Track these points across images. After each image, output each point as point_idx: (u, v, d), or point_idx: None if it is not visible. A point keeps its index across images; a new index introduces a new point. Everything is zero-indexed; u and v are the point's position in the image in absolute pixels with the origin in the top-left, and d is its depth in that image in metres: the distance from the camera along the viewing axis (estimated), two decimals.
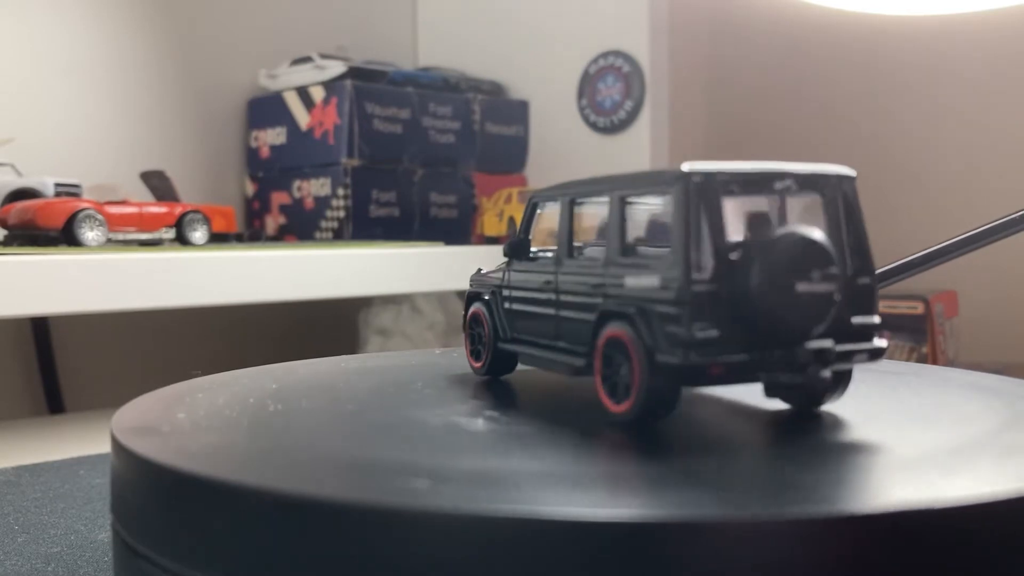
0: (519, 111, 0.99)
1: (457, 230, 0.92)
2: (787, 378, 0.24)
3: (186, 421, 0.28)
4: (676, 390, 0.24)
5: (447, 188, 0.92)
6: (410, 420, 0.27)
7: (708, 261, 0.24)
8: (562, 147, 0.97)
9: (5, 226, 0.65)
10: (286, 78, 0.91)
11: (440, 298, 0.89)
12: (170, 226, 0.70)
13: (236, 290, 0.65)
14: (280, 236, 0.92)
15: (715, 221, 0.24)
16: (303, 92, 0.89)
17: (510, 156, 0.98)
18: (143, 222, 0.68)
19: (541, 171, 0.98)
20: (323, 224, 0.87)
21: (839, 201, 0.26)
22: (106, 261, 0.59)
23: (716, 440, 0.25)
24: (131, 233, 0.68)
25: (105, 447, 0.26)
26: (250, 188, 0.95)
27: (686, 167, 0.24)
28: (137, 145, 0.89)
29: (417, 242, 0.82)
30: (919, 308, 0.82)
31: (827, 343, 0.24)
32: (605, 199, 0.27)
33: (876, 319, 0.25)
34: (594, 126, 0.95)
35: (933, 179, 1.02)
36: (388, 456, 0.23)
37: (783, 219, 0.25)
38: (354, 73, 0.86)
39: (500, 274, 0.32)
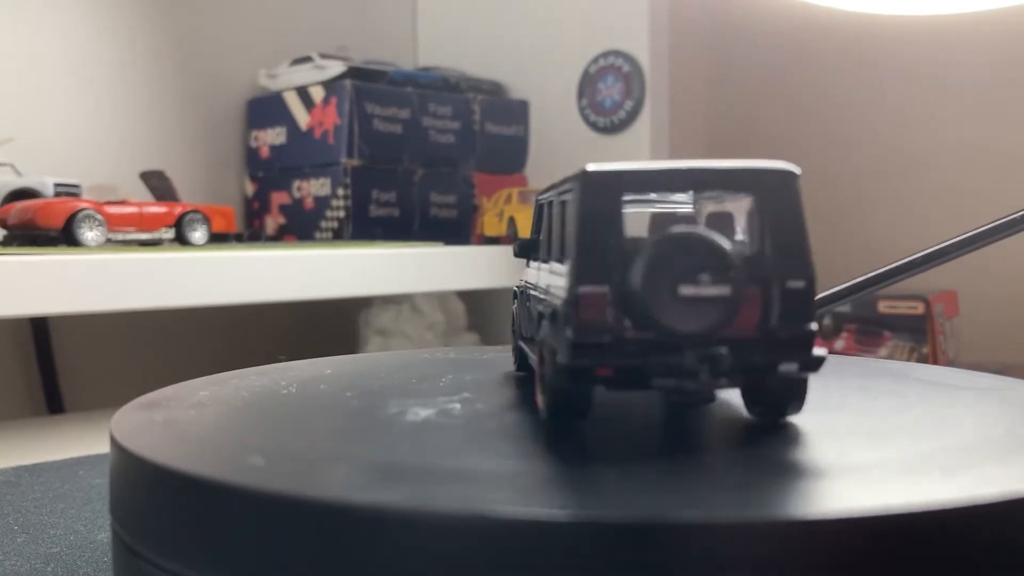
0: (519, 111, 0.99)
1: (457, 230, 0.92)
2: (676, 385, 0.23)
3: (186, 421, 0.28)
4: (579, 391, 0.24)
5: (447, 188, 0.92)
6: (413, 420, 0.27)
7: (600, 262, 0.23)
8: (562, 147, 0.97)
9: (5, 226, 0.65)
10: (286, 78, 0.91)
11: (440, 298, 0.89)
12: (170, 226, 0.70)
13: (236, 290, 0.65)
14: (280, 236, 0.92)
15: (610, 221, 0.23)
16: (303, 92, 0.89)
17: (510, 156, 0.98)
18: (143, 222, 0.68)
19: (541, 171, 0.98)
20: (323, 224, 0.87)
21: (773, 200, 0.24)
22: (106, 261, 0.58)
23: (699, 443, 0.25)
24: (131, 233, 0.68)
25: (105, 447, 0.26)
26: (250, 188, 0.95)
27: (589, 167, 0.24)
28: (137, 145, 0.89)
29: (417, 242, 0.82)
30: (919, 308, 0.82)
31: (720, 350, 0.23)
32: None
33: (811, 327, 0.23)
34: (594, 126, 0.95)
35: (933, 179, 1.02)
36: (388, 457, 0.23)
37: (752, 220, 0.24)
38: (354, 73, 0.86)
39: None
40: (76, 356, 0.84)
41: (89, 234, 0.64)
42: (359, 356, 0.41)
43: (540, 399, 0.26)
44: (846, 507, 0.18)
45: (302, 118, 0.89)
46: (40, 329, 0.81)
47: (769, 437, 0.25)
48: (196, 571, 0.22)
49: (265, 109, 0.93)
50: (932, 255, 0.48)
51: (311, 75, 0.89)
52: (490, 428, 0.26)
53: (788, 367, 0.23)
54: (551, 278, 0.26)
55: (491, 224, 0.88)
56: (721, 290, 0.22)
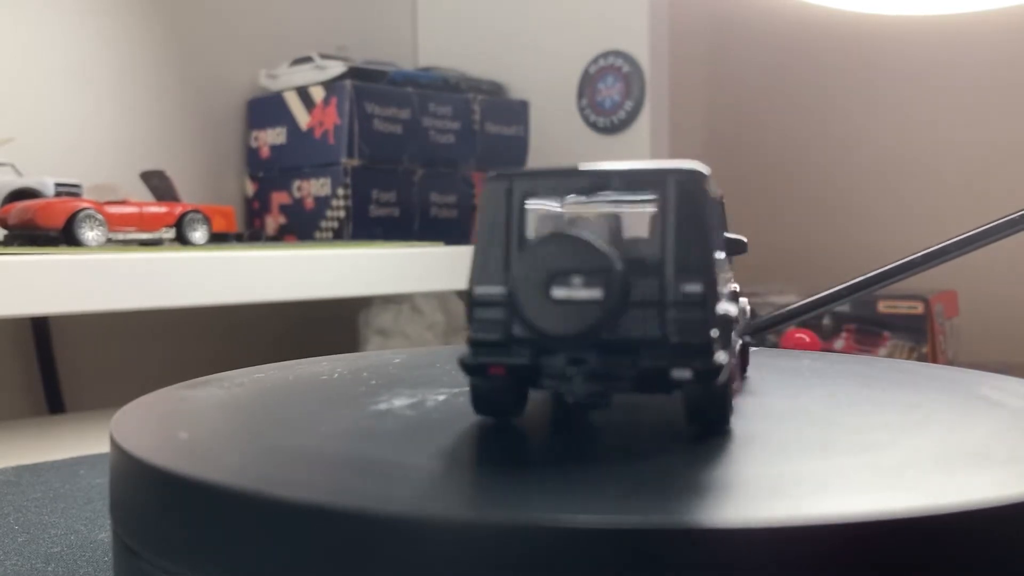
0: (519, 111, 0.99)
1: (457, 230, 0.92)
2: (555, 387, 0.23)
3: (185, 423, 0.28)
4: (493, 389, 0.24)
5: (447, 188, 0.92)
6: (416, 423, 0.27)
7: (496, 264, 0.23)
8: (562, 147, 0.97)
9: (5, 226, 0.65)
10: (286, 78, 0.91)
11: (440, 298, 0.89)
12: (170, 226, 0.70)
13: (236, 290, 0.65)
14: (280, 236, 0.92)
15: (508, 224, 0.24)
16: (303, 92, 0.89)
17: (510, 156, 0.98)
18: (143, 222, 0.68)
19: None
20: (323, 224, 0.87)
21: (676, 201, 0.23)
22: (106, 261, 0.58)
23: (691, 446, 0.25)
24: (131, 233, 0.68)
25: (105, 447, 0.26)
26: (250, 188, 0.95)
27: (492, 172, 0.24)
28: (137, 145, 0.89)
29: (417, 242, 0.82)
30: (919, 308, 0.82)
31: (588, 355, 0.22)
32: None
33: (707, 334, 0.22)
34: (594, 126, 0.95)
35: (933, 178, 1.02)
36: (388, 460, 0.23)
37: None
38: (354, 73, 0.86)
39: None
40: (77, 356, 0.84)
41: (90, 234, 0.64)
42: (360, 355, 0.41)
43: None
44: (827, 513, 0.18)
45: (302, 118, 0.89)
46: (41, 329, 0.81)
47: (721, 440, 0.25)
48: (195, 572, 0.22)
49: (265, 109, 0.93)
50: (932, 255, 0.48)
51: (311, 75, 0.89)
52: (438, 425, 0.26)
53: (681, 374, 0.22)
54: None
55: None
56: (593, 293, 0.22)
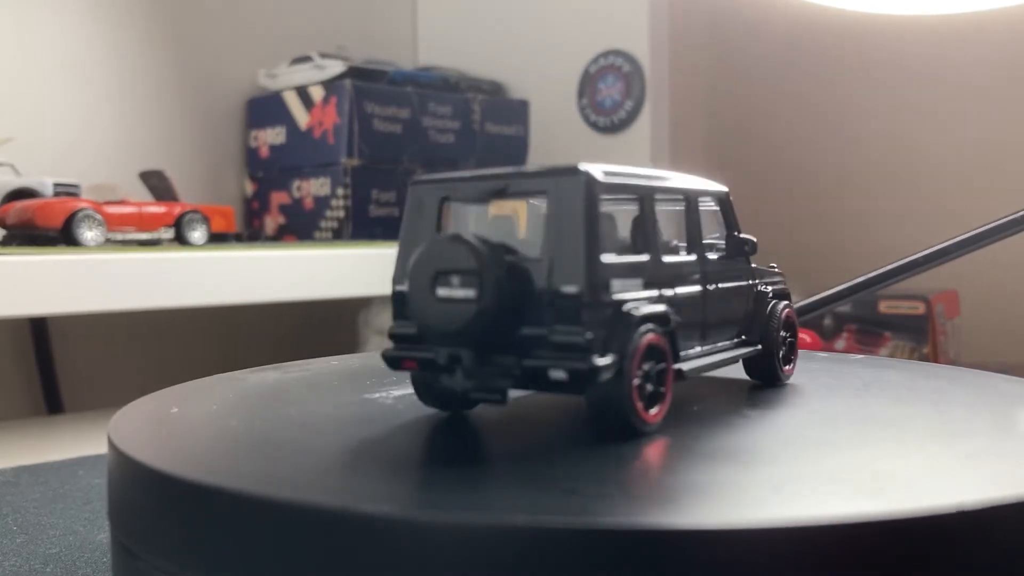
0: (519, 111, 0.98)
1: None
2: (442, 380, 0.24)
3: (183, 425, 0.28)
4: (422, 381, 0.26)
5: None
6: (414, 426, 0.27)
7: (409, 263, 0.24)
8: (562, 147, 0.97)
9: (4, 226, 0.65)
10: (286, 78, 0.91)
11: None
12: (169, 226, 0.70)
13: (235, 290, 0.64)
14: (279, 236, 0.91)
15: (423, 225, 0.26)
16: (303, 92, 0.89)
17: (510, 156, 0.98)
18: (142, 222, 0.68)
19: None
20: (323, 224, 0.87)
21: (559, 203, 0.24)
22: (105, 261, 0.58)
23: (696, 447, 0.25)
24: (130, 233, 0.68)
25: (104, 447, 0.26)
26: (249, 188, 0.95)
27: (415, 178, 0.26)
28: (136, 145, 0.89)
29: None
30: (920, 308, 0.82)
31: (463, 352, 0.23)
32: None
33: (583, 335, 0.23)
34: (594, 126, 0.95)
35: (934, 178, 1.02)
36: (387, 461, 0.23)
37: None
38: (354, 73, 0.86)
39: None
40: (75, 356, 0.84)
41: (88, 234, 0.64)
42: (356, 356, 0.41)
43: None
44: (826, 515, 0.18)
45: (302, 118, 0.89)
46: (39, 329, 0.81)
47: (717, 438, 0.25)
48: (193, 573, 0.21)
49: (265, 109, 0.93)
50: (933, 255, 0.48)
51: (311, 75, 0.88)
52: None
53: (557, 375, 0.23)
54: None
55: None
56: (468, 292, 0.23)
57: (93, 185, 0.72)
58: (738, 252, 0.30)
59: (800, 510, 0.18)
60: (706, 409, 0.28)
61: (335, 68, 0.87)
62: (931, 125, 1.02)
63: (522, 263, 0.23)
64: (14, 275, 0.55)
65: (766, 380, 0.32)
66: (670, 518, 0.18)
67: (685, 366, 0.26)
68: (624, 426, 0.24)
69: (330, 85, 0.86)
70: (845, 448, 0.24)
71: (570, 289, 0.23)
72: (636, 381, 0.24)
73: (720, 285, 0.29)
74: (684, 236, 0.29)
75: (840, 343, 0.85)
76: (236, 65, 0.95)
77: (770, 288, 0.32)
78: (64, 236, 0.63)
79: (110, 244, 0.66)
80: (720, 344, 0.29)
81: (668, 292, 0.26)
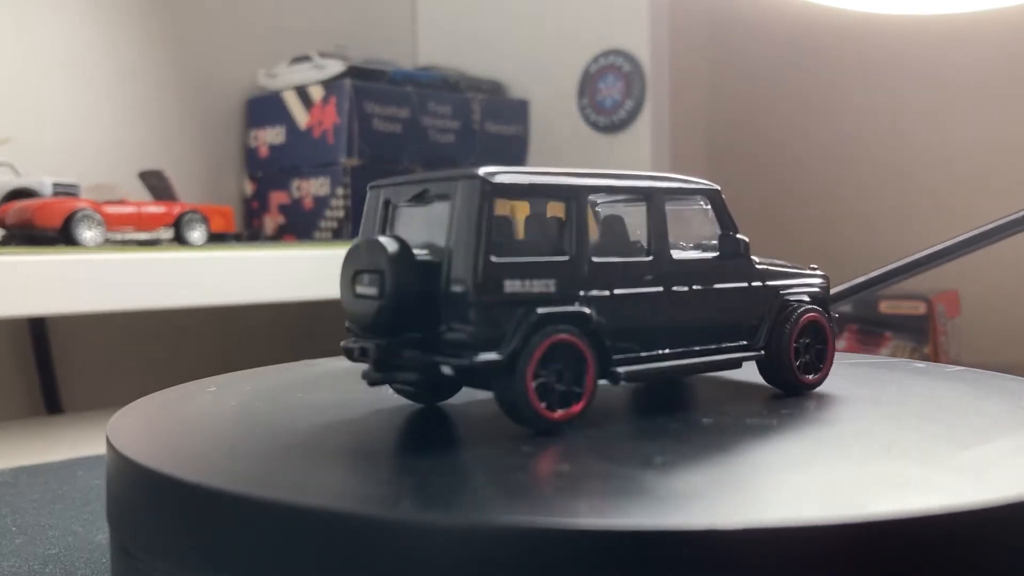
0: (519, 110, 0.98)
1: None
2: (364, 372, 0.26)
3: (181, 426, 0.28)
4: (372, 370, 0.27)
5: None
6: (413, 426, 0.27)
7: None
8: (562, 146, 0.97)
9: (3, 226, 0.65)
10: (285, 77, 0.91)
11: None
12: (168, 226, 0.70)
13: (234, 290, 0.64)
14: (279, 236, 0.91)
15: (368, 226, 0.28)
16: (302, 91, 0.89)
17: (510, 156, 0.98)
18: (141, 222, 0.68)
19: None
20: (322, 224, 0.87)
21: (458, 206, 0.25)
22: (104, 261, 0.58)
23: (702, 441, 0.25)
24: (129, 233, 0.67)
25: (103, 448, 0.26)
26: (249, 188, 0.95)
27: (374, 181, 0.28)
28: (135, 144, 0.89)
29: None
30: (921, 308, 0.82)
31: (370, 345, 0.25)
32: None
33: (467, 331, 0.24)
34: (595, 125, 0.94)
35: (935, 178, 1.02)
36: (387, 462, 0.23)
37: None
38: (353, 72, 0.86)
39: None
40: (74, 356, 0.84)
41: (87, 234, 0.64)
42: None
43: None
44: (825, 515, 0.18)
45: (301, 118, 0.89)
46: (38, 329, 0.81)
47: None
48: (191, 574, 0.21)
49: (264, 108, 0.93)
50: (934, 255, 0.48)
51: (310, 74, 0.88)
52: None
53: (445, 369, 0.24)
54: None
55: None
56: (372, 290, 0.25)
57: (92, 185, 0.72)
58: (732, 252, 0.29)
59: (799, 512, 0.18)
60: (712, 416, 0.28)
61: (335, 68, 0.86)
62: (931, 125, 1.02)
63: (433, 263, 0.25)
64: (13, 275, 0.54)
65: (784, 389, 0.30)
66: (661, 519, 0.18)
67: (624, 369, 0.26)
68: (526, 421, 0.25)
69: (330, 85, 0.86)
70: (803, 463, 0.23)
71: (458, 288, 0.24)
72: (541, 379, 0.24)
73: (694, 286, 0.28)
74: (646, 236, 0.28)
75: (840, 343, 0.85)
76: (235, 65, 0.95)
77: (794, 291, 0.31)
78: (63, 236, 0.63)
79: (109, 244, 0.66)
80: (699, 348, 0.28)
81: (599, 293, 0.26)
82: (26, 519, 0.38)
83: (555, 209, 0.27)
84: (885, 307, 0.83)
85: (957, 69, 1.00)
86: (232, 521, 0.20)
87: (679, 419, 0.27)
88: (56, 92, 0.84)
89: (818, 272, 0.32)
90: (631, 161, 0.91)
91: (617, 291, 0.26)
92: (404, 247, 0.25)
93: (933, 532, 0.18)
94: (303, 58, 0.90)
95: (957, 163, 1.01)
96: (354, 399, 0.31)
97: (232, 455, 0.24)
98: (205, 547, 0.21)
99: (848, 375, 0.34)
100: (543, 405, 0.24)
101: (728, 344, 0.29)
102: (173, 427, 0.28)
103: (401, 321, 0.25)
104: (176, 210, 0.70)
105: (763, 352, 0.30)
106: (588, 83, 0.95)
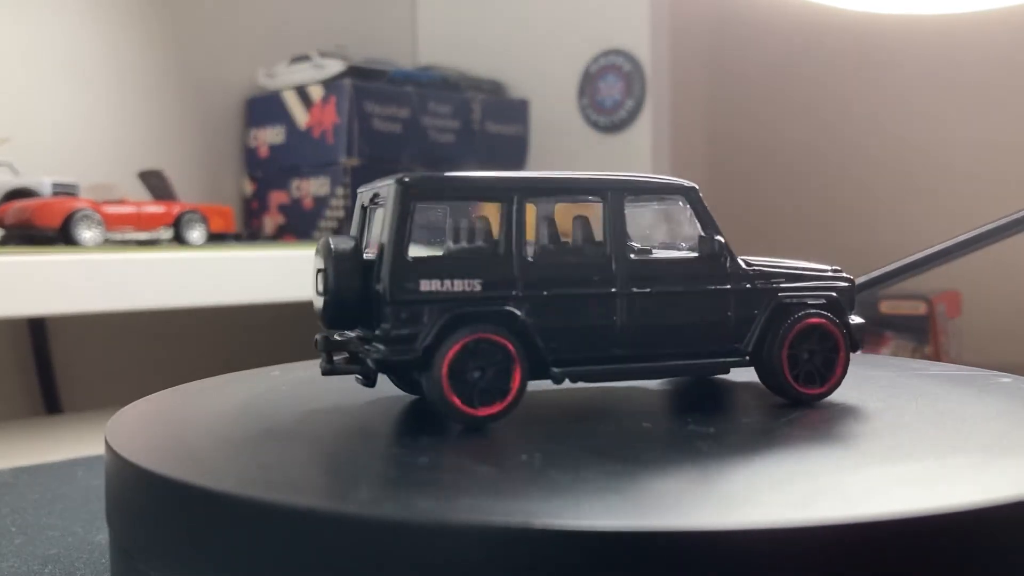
0: (519, 110, 0.98)
1: None
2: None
3: (179, 428, 0.28)
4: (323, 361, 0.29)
5: None
6: (414, 426, 0.27)
7: None
8: (563, 146, 0.97)
9: (2, 226, 0.65)
10: (285, 77, 0.91)
11: None
12: (168, 226, 0.70)
13: (235, 290, 0.64)
14: (279, 236, 0.91)
15: (350, 225, 0.30)
16: (302, 91, 0.89)
17: (510, 156, 0.97)
18: (141, 222, 0.68)
19: (542, 171, 0.98)
20: (322, 224, 0.87)
21: (385, 208, 0.27)
22: (103, 261, 0.58)
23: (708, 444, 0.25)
24: (129, 233, 0.67)
25: (103, 448, 0.26)
26: (248, 188, 0.95)
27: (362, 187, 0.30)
28: (135, 144, 0.88)
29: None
30: (922, 308, 0.82)
31: (319, 337, 0.28)
32: None
33: (384, 328, 0.26)
34: (595, 125, 0.94)
35: (935, 178, 1.02)
36: (387, 463, 0.23)
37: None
38: (353, 72, 0.86)
39: None
40: (74, 356, 0.84)
41: (87, 234, 0.64)
42: None
43: None
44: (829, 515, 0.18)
45: (301, 117, 0.89)
46: (38, 329, 0.81)
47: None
48: (190, 574, 0.21)
49: (264, 108, 0.93)
50: (934, 255, 0.48)
51: (310, 74, 0.88)
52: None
53: (369, 363, 0.26)
54: None
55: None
56: (321, 287, 0.27)
57: (92, 185, 0.72)
58: (708, 253, 0.28)
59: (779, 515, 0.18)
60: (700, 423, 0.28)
61: (334, 67, 0.86)
62: (931, 125, 1.02)
63: (376, 263, 0.26)
64: (12, 275, 0.54)
65: (784, 398, 0.29)
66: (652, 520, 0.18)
67: (564, 370, 0.26)
68: (440, 411, 0.26)
69: (329, 84, 0.86)
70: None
71: (378, 287, 0.26)
72: (468, 375, 0.25)
73: (657, 288, 0.27)
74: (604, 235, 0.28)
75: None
76: (235, 64, 0.95)
77: (795, 293, 0.29)
78: (62, 236, 0.63)
79: (109, 244, 0.66)
80: (665, 351, 0.27)
81: (534, 293, 0.26)
82: (26, 519, 0.38)
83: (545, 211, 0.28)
84: (885, 307, 0.83)
85: (957, 69, 1.00)
86: (231, 522, 0.20)
87: (679, 420, 0.27)
88: (56, 92, 0.84)
89: (841, 275, 0.31)
90: (631, 161, 0.91)
91: (556, 291, 0.26)
92: (351, 248, 0.26)
93: (933, 532, 0.18)
94: (303, 58, 0.90)
95: (957, 163, 1.01)
96: (354, 399, 0.30)
97: (231, 456, 0.24)
98: (204, 548, 0.21)
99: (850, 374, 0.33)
100: (460, 400, 0.25)
101: (705, 348, 0.28)
102: (172, 428, 0.28)
103: (346, 316, 0.27)
104: (176, 210, 0.70)
105: (747, 358, 0.28)
106: (588, 83, 0.95)
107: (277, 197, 0.92)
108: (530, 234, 0.27)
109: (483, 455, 0.24)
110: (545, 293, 0.26)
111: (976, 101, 0.99)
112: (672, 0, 0.93)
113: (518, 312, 0.26)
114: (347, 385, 0.33)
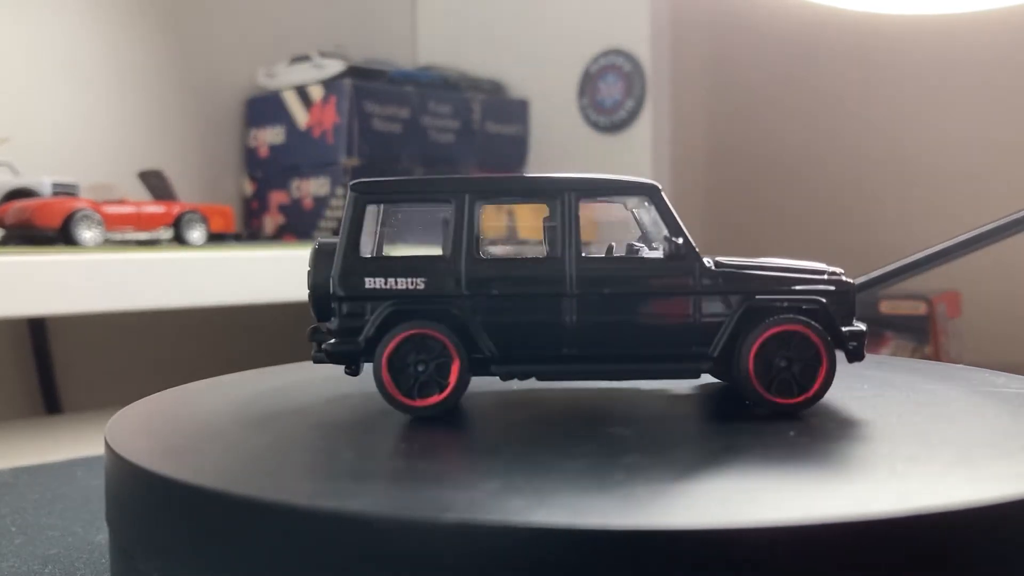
0: (519, 110, 0.98)
1: None
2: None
3: (179, 428, 0.28)
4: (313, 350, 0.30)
5: None
6: (413, 426, 0.27)
7: None
8: (563, 146, 0.97)
9: (2, 226, 0.65)
10: (285, 77, 0.91)
11: None
12: (168, 226, 0.70)
13: (234, 290, 0.64)
14: (279, 236, 0.91)
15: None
16: (302, 91, 0.89)
17: (510, 155, 0.97)
18: (141, 222, 0.68)
19: (541, 171, 0.98)
20: (322, 224, 0.87)
21: (345, 210, 0.28)
22: (103, 261, 0.58)
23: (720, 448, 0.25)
24: (129, 233, 0.67)
25: (103, 448, 0.26)
26: (248, 188, 0.95)
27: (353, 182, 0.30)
28: (135, 144, 0.88)
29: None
30: (922, 308, 0.82)
31: (310, 327, 0.29)
32: None
33: (334, 322, 0.28)
34: (595, 125, 0.94)
35: (935, 178, 1.02)
36: (386, 463, 0.23)
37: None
38: (353, 72, 0.86)
39: None
40: (74, 356, 0.84)
41: (87, 234, 0.64)
42: None
43: None
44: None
45: (301, 117, 0.89)
46: (38, 329, 0.81)
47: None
48: (190, 574, 0.21)
49: (264, 108, 0.93)
50: (934, 255, 0.48)
51: (310, 74, 0.88)
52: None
53: (321, 355, 0.28)
54: None
55: None
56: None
57: (92, 185, 0.72)
58: (672, 254, 0.27)
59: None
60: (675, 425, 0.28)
61: (334, 67, 0.86)
62: (933, 124, 1.02)
63: None
64: (12, 275, 0.54)
65: (760, 407, 0.27)
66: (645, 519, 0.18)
67: (505, 368, 0.27)
68: (391, 406, 0.27)
69: (329, 84, 0.86)
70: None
71: (331, 285, 0.28)
72: (408, 369, 0.26)
73: (611, 289, 0.27)
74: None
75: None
76: (235, 64, 0.95)
77: (772, 297, 0.27)
78: (62, 236, 0.63)
79: (109, 244, 0.66)
80: (621, 352, 0.27)
81: (479, 292, 0.27)
82: (26, 519, 0.38)
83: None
84: (885, 307, 0.83)
85: (957, 69, 1.00)
86: (231, 522, 0.20)
87: (678, 420, 0.27)
88: (56, 92, 0.84)
89: (837, 278, 0.29)
90: (631, 161, 0.91)
91: (505, 291, 0.27)
92: (332, 246, 0.28)
93: (933, 532, 0.18)
94: (303, 58, 0.90)
95: (957, 163, 1.00)
96: (355, 399, 0.30)
97: (231, 456, 0.24)
98: (204, 547, 0.21)
99: (847, 374, 0.33)
100: (399, 392, 0.27)
101: (667, 352, 0.27)
102: (171, 428, 0.28)
103: (327, 309, 0.28)
104: (176, 210, 0.70)
105: (710, 363, 0.27)
106: (588, 83, 0.95)
107: (277, 197, 0.92)
108: (495, 234, 0.28)
109: (484, 455, 0.24)
110: (495, 292, 0.27)
111: (976, 101, 0.99)
112: (672, 0, 0.93)
113: (456, 310, 0.27)
114: (347, 385, 0.33)
